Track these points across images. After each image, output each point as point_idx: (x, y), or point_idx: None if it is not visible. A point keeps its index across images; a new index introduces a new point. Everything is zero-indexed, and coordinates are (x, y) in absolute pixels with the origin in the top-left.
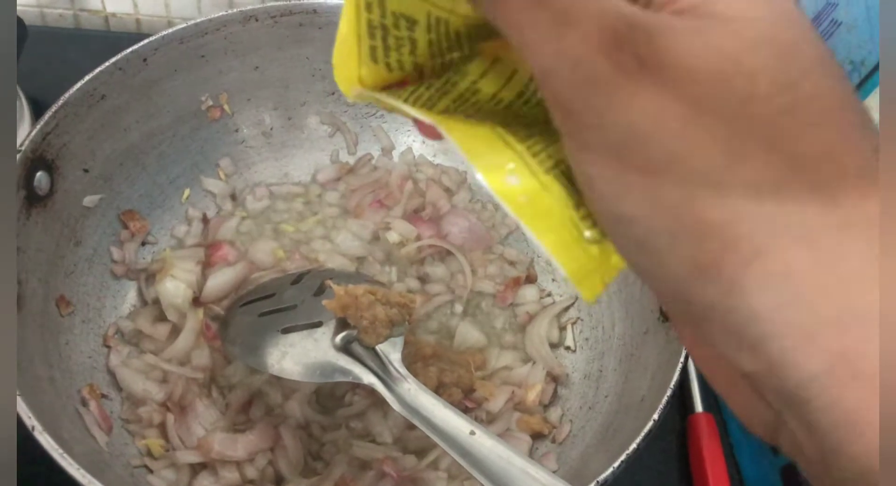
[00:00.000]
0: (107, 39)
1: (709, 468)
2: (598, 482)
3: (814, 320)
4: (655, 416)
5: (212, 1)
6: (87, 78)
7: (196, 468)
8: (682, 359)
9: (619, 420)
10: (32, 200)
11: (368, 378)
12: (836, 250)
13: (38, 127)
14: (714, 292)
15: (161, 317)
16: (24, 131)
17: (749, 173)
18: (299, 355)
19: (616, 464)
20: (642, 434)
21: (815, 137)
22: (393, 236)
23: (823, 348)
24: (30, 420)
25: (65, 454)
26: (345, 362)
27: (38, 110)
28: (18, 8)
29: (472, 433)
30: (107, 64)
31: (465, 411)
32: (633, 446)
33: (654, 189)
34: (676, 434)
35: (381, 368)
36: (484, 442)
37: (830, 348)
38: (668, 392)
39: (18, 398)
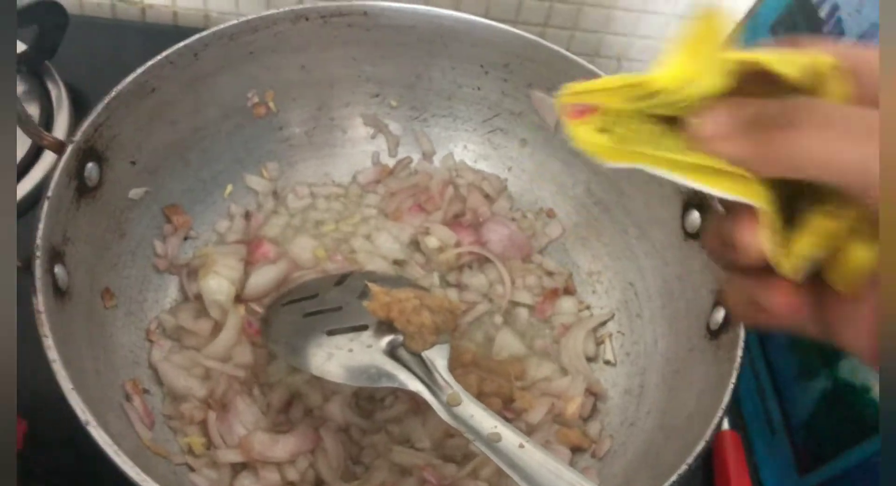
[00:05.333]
0: (143, 31)
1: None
2: None
3: None
4: (707, 437)
5: None
6: (139, 70)
7: (237, 468)
8: (733, 380)
9: (663, 439)
10: (82, 191)
11: (415, 385)
12: None
13: (91, 118)
14: None
15: (203, 313)
16: (64, 120)
17: None
18: (345, 357)
19: (667, 484)
20: (694, 454)
21: None
22: (432, 242)
23: None
24: (84, 415)
25: (119, 451)
26: (391, 367)
27: (75, 99)
28: None
29: (522, 446)
30: (159, 57)
31: (505, 421)
32: (685, 466)
33: None
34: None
35: (426, 374)
36: (534, 456)
37: None
38: (720, 413)
39: (73, 393)
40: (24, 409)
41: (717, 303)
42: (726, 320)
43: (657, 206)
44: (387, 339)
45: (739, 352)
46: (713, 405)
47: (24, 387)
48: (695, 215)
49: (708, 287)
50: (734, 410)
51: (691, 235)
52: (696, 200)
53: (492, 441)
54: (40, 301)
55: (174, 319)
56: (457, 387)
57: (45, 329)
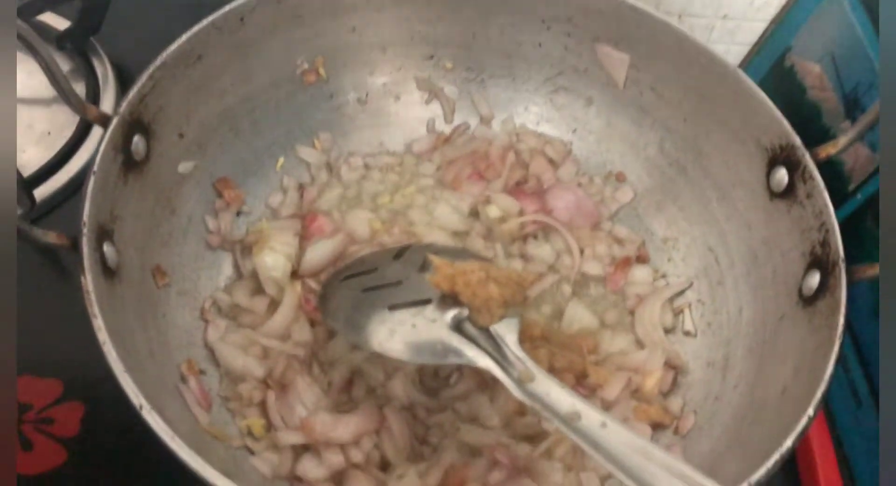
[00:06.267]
0: (189, 4)
1: (819, 464)
2: (749, 482)
3: None
4: (811, 411)
5: None
6: (184, 37)
7: (298, 451)
8: (836, 349)
9: (755, 414)
10: (129, 165)
11: (484, 361)
12: None
13: (136, 88)
14: None
15: (258, 290)
16: (110, 97)
17: None
18: (408, 333)
19: (770, 464)
20: (798, 430)
21: None
22: (493, 211)
23: None
24: (137, 399)
25: (174, 436)
26: (457, 342)
27: (121, 76)
28: None
29: (605, 425)
30: (204, 23)
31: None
32: (789, 443)
33: None
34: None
35: (495, 350)
36: (618, 435)
37: None
38: (823, 386)
39: (126, 376)
40: (80, 393)
41: (810, 266)
42: (822, 284)
43: (739, 164)
44: (451, 313)
45: (841, 319)
46: (813, 377)
47: (79, 371)
48: (781, 173)
49: (798, 250)
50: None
51: (778, 195)
52: (782, 157)
53: (571, 420)
54: (89, 281)
55: (229, 297)
56: (529, 363)
57: (95, 309)
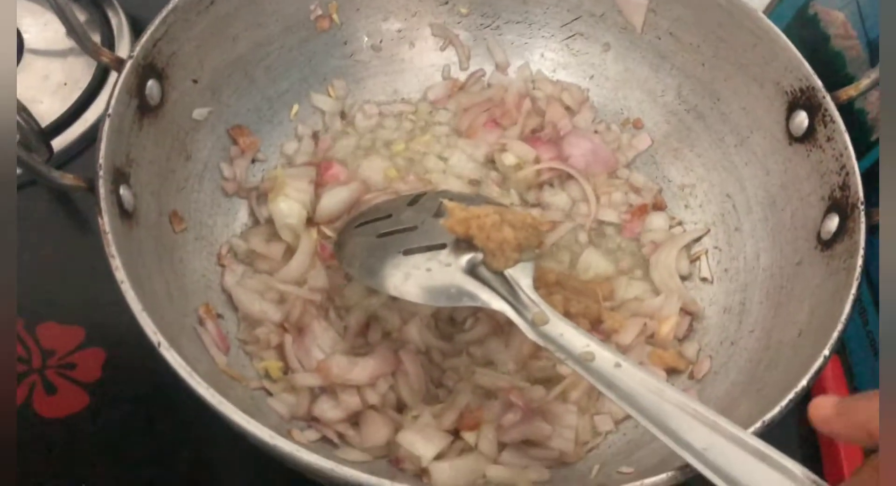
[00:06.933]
0: None
1: (841, 443)
2: (763, 421)
3: None
4: (826, 351)
5: None
6: None
7: (315, 392)
8: (853, 290)
9: (771, 357)
10: (144, 109)
11: (498, 304)
12: None
13: (149, 33)
14: None
15: (275, 237)
16: (125, 47)
17: None
18: (423, 277)
19: (784, 402)
20: (813, 370)
21: None
22: (509, 158)
23: None
24: (155, 336)
25: (192, 372)
26: (472, 286)
27: (135, 26)
28: None
29: (618, 365)
30: None
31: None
32: (804, 383)
33: None
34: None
35: (510, 293)
36: (633, 375)
37: None
38: (840, 327)
39: (144, 314)
40: (101, 340)
41: (829, 210)
42: (841, 227)
43: (758, 109)
44: (466, 257)
45: (859, 260)
46: (830, 319)
47: (101, 318)
48: (801, 117)
49: (817, 194)
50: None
51: (797, 139)
52: (803, 100)
53: (585, 361)
54: (106, 222)
55: (245, 243)
56: (543, 305)
57: (112, 249)
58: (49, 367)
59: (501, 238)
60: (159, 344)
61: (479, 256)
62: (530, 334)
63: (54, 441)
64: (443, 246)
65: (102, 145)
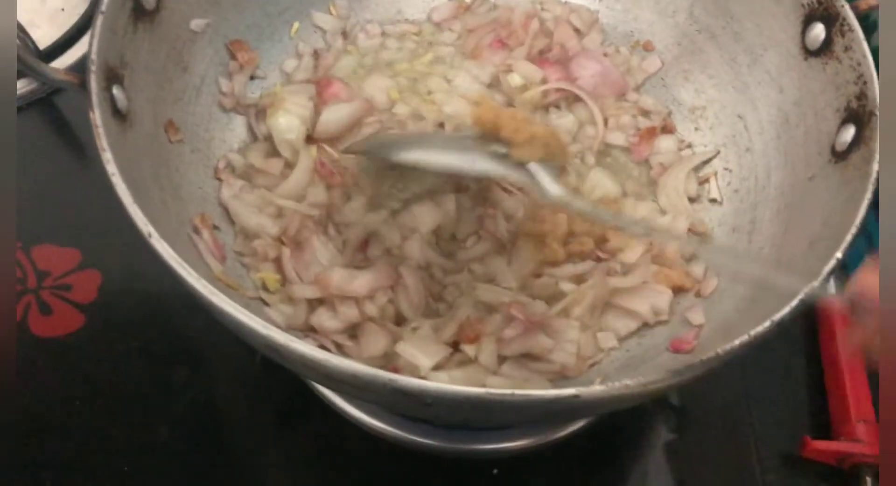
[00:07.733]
0: None
1: (842, 357)
2: (772, 320)
3: None
4: (839, 254)
5: None
6: None
7: (313, 304)
8: (868, 194)
9: (782, 270)
10: (139, 13)
11: (518, 175)
12: None
13: None
14: None
15: (273, 152)
16: None
17: None
18: (439, 148)
19: (794, 303)
20: (828, 267)
21: None
22: (515, 79)
23: None
24: (146, 227)
25: (183, 263)
26: (491, 161)
27: None
28: None
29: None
30: None
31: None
32: (815, 284)
33: None
34: (802, 316)
35: (529, 179)
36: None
37: None
38: (853, 230)
39: (135, 207)
40: (98, 262)
41: (844, 122)
42: (856, 137)
43: (773, 25)
44: (490, 146)
45: (875, 166)
46: (843, 226)
47: (97, 241)
48: (818, 29)
49: (832, 107)
50: (841, 276)
51: (812, 53)
52: (819, 12)
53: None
54: (97, 116)
55: (243, 158)
56: (563, 192)
57: (104, 143)
58: (44, 287)
59: (531, 132)
60: (150, 235)
61: (503, 150)
62: (555, 191)
63: (49, 360)
64: (466, 137)
65: (95, 41)
